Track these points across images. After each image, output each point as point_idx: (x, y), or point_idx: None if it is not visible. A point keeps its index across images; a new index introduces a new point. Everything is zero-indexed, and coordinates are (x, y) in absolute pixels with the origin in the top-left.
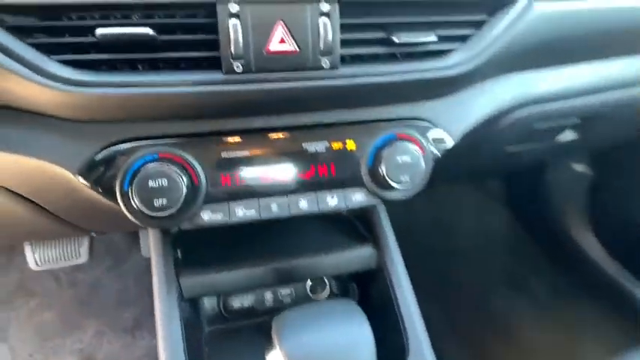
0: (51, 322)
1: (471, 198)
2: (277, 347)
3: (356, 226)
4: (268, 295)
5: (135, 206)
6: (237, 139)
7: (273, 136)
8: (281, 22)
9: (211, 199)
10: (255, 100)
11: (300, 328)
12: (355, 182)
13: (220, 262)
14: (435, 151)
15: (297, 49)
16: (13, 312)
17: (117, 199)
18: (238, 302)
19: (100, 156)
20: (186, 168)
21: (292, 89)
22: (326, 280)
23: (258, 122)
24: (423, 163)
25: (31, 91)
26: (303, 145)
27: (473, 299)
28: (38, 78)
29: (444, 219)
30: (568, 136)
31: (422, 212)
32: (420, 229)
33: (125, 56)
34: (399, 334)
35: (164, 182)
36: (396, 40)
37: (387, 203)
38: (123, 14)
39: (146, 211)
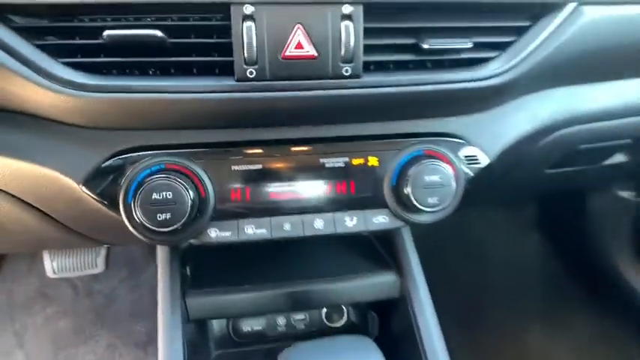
0: (66, 330)
1: (503, 224)
2: None
3: (377, 248)
4: (281, 320)
5: (137, 220)
6: (249, 151)
7: (288, 149)
8: (299, 25)
9: (219, 216)
10: (269, 110)
11: None
12: (377, 203)
13: (230, 283)
14: (468, 171)
15: (316, 55)
16: (30, 318)
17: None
18: (248, 326)
19: (105, 165)
20: (193, 181)
21: (309, 99)
22: (344, 308)
23: (271, 134)
24: (454, 184)
25: (36, 94)
26: (321, 160)
27: (505, 336)
28: (43, 81)
29: (473, 245)
30: (617, 158)
31: (449, 236)
32: (446, 255)
33: (133, 60)
34: None
35: (169, 195)
36: (425, 46)
37: (413, 225)
38: (133, 16)
39: (149, 226)
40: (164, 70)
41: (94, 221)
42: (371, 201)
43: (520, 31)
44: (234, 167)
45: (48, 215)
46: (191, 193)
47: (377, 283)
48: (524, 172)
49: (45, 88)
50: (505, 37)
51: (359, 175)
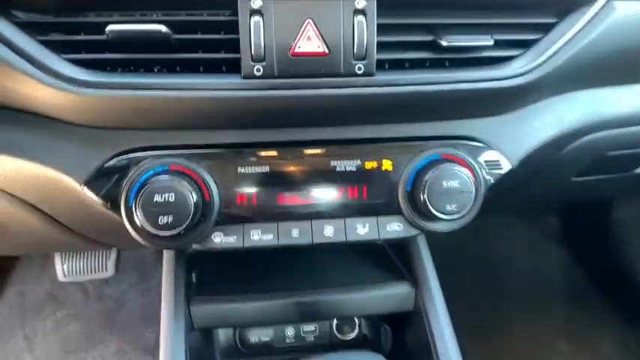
0: (75, 335)
1: (523, 232)
2: None
3: (391, 257)
4: (289, 331)
5: (138, 223)
6: (255, 153)
7: (297, 151)
8: (309, 20)
9: (224, 220)
10: (277, 110)
11: None
12: (391, 209)
13: (237, 291)
14: (488, 177)
15: (327, 51)
16: (40, 322)
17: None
18: (256, 336)
19: (108, 166)
20: (197, 183)
21: (319, 98)
22: (355, 319)
23: (280, 135)
24: (473, 190)
25: (37, 91)
26: (332, 163)
27: (526, 353)
28: (45, 77)
29: (492, 256)
30: None
31: (467, 246)
32: (464, 265)
33: (137, 56)
34: None
35: (171, 198)
36: (444, 43)
37: (429, 234)
38: (138, 12)
39: (150, 229)
40: (170, 69)
41: (97, 224)
42: (384, 207)
43: (546, 28)
44: (241, 170)
45: (52, 217)
46: (194, 195)
47: (390, 295)
48: (548, 179)
49: (47, 85)
50: (530, 35)
51: (372, 180)
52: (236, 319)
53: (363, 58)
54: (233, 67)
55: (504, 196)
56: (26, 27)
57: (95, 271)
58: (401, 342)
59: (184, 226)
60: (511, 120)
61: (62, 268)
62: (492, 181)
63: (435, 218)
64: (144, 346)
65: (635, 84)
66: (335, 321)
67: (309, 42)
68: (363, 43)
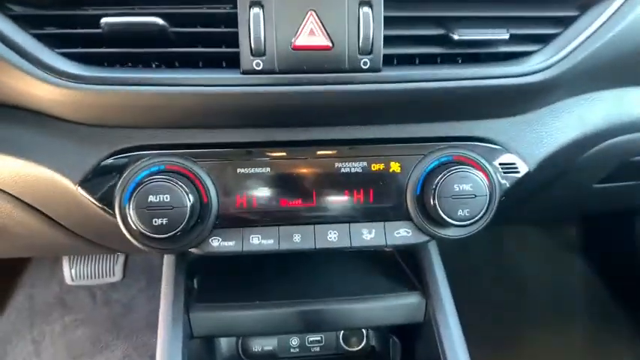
0: (82, 339)
1: (543, 243)
2: None
3: (401, 265)
4: (294, 341)
5: (132, 225)
6: (256, 153)
7: (300, 152)
8: (312, 11)
9: (223, 223)
10: (278, 107)
11: None
12: (398, 214)
13: (240, 299)
14: (504, 181)
15: (330, 45)
16: (49, 326)
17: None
18: (259, 346)
19: (103, 165)
20: (194, 184)
21: (322, 94)
22: (363, 330)
23: (281, 135)
24: (487, 195)
25: (31, 86)
26: (336, 164)
27: None
28: (39, 72)
29: (508, 266)
30: None
31: (482, 255)
32: (477, 275)
33: (133, 51)
34: None
35: (166, 198)
36: (455, 37)
37: (440, 241)
38: (136, 5)
39: (144, 231)
40: (169, 65)
41: (95, 226)
42: (392, 212)
43: (566, 22)
44: (241, 170)
45: (51, 219)
46: (191, 197)
47: (400, 305)
48: (568, 186)
49: (40, 80)
50: (548, 29)
51: (378, 182)
52: (237, 327)
53: (369, 53)
54: (233, 63)
55: (521, 203)
56: (21, 20)
57: (103, 276)
58: (410, 355)
59: (179, 228)
60: (529, 121)
61: (70, 272)
62: (508, 186)
63: (445, 224)
64: (150, 352)
65: None
66: (342, 332)
67: (311, 35)
68: (369, 37)
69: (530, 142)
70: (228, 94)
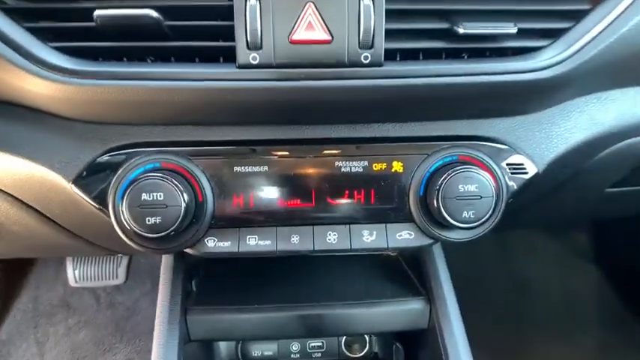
0: (85, 341)
1: (552, 249)
2: None
3: (405, 270)
4: (295, 346)
5: (126, 223)
6: (253, 151)
7: (298, 150)
8: (310, 3)
9: (218, 223)
10: (275, 104)
11: None
12: (401, 216)
13: (239, 302)
14: (511, 183)
15: (330, 39)
16: (53, 328)
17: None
18: (259, 350)
19: (97, 163)
20: (190, 182)
21: (322, 90)
22: (366, 336)
23: (279, 133)
24: (493, 196)
25: (23, 81)
26: (336, 163)
27: None
28: (31, 66)
29: (516, 272)
30: None
31: (489, 260)
32: (485, 281)
33: (127, 44)
34: None
35: (159, 196)
36: (461, 31)
37: (444, 244)
38: None
39: (137, 230)
40: (165, 60)
41: (91, 225)
42: (394, 213)
43: (578, 16)
44: (237, 169)
45: (49, 219)
46: (186, 195)
47: (403, 311)
48: (579, 189)
49: (33, 74)
50: (559, 23)
51: (380, 183)
52: (236, 331)
53: (370, 47)
54: (230, 58)
55: (530, 207)
56: (13, 13)
57: (106, 278)
58: None
59: (173, 227)
60: (537, 120)
61: (73, 273)
62: (516, 187)
63: (449, 226)
64: None
65: None
66: (344, 337)
67: (310, 28)
68: (369, 30)
69: (539, 142)
70: (223, 88)
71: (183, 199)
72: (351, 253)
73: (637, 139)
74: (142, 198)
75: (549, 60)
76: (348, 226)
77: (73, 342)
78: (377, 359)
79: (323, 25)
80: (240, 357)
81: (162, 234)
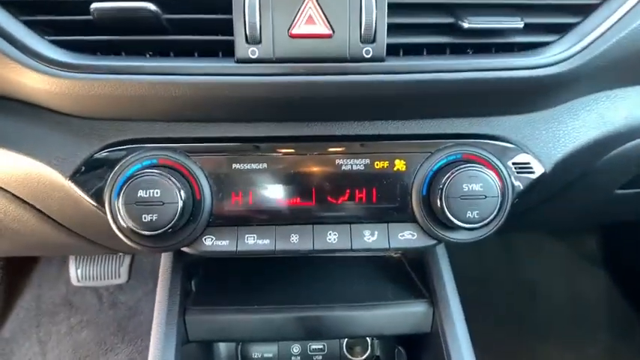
0: (87, 341)
1: (560, 252)
2: None
3: (408, 271)
4: (295, 348)
5: (122, 221)
6: (252, 148)
7: (299, 147)
8: None
9: (217, 221)
10: (274, 99)
11: None
12: (403, 215)
13: (238, 302)
14: (517, 182)
15: (330, 33)
16: (55, 327)
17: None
18: (258, 352)
19: (95, 159)
20: (187, 179)
21: (322, 85)
22: (367, 339)
23: (279, 130)
24: (498, 196)
25: (19, 74)
26: (337, 161)
27: None
28: (28, 60)
29: (523, 275)
30: None
31: (494, 263)
32: (490, 284)
33: (124, 38)
34: None
35: (156, 193)
36: (465, 25)
37: (448, 245)
38: None
39: (134, 228)
40: (164, 54)
41: (89, 222)
42: (396, 213)
43: (587, 10)
44: (236, 166)
45: (48, 216)
46: (183, 193)
47: (405, 314)
48: (588, 190)
49: (30, 69)
50: (567, 18)
51: (382, 181)
52: (235, 332)
53: (372, 41)
54: (229, 52)
55: (536, 208)
56: (10, 6)
57: (108, 277)
58: None
59: (170, 225)
60: (545, 118)
61: (76, 272)
62: (522, 187)
63: (453, 226)
64: None
65: None
66: (345, 340)
67: (310, 22)
68: (371, 24)
69: (546, 141)
70: (221, 83)
71: (181, 197)
72: (352, 253)
73: None
74: (139, 195)
75: (557, 56)
76: (348, 225)
77: (75, 341)
78: None
79: (324, 18)
80: (240, 359)
81: (159, 232)
